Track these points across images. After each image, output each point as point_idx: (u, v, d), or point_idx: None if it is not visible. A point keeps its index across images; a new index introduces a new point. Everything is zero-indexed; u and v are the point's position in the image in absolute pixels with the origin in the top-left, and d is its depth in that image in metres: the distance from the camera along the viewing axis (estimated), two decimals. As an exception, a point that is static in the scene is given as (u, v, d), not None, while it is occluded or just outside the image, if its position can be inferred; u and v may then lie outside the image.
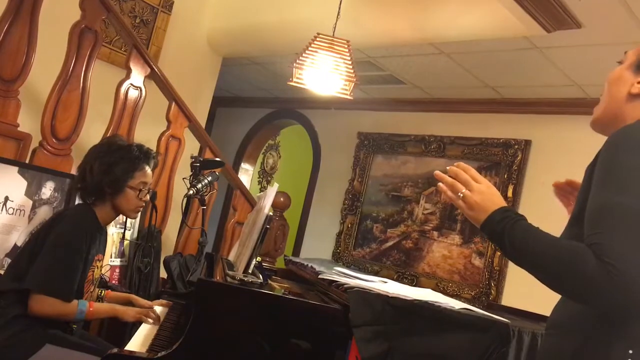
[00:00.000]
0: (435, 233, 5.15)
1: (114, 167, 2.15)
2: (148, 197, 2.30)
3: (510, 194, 4.67)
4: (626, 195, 1.13)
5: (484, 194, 1.31)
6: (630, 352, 1.13)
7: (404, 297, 1.80)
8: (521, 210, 4.58)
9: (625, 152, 1.17)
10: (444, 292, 4.56)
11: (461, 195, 1.32)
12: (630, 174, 1.15)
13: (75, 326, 2.15)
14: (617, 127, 1.28)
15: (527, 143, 4.75)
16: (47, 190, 2.80)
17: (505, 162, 4.80)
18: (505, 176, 4.75)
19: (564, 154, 4.49)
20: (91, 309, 2.08)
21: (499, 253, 4.61)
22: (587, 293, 1.12)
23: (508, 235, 1.23)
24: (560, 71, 4.01)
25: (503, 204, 1.29)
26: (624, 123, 1.28)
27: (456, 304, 1.94)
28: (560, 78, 4.13)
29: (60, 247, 2.02)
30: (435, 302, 1.84)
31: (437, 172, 1.40)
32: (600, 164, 1.20)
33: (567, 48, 3.63)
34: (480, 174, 1.35)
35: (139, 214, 2.43)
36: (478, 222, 1.30)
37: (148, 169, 2.27)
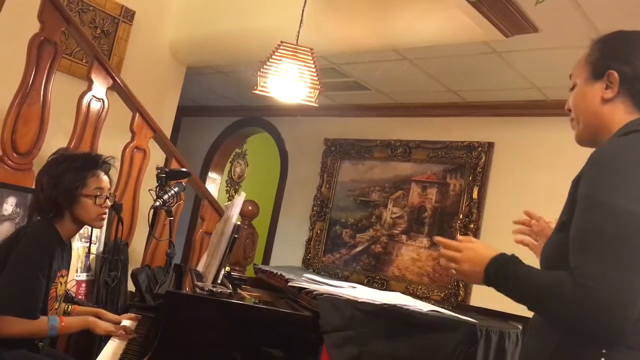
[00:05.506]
0: (404, 236, 5.19)
1: (61, 178, 2.13)
2: (109, 203, 2.26)
3: (475, 195, 4.74)
4: (602, 217, 1.14)
5: (468, 257, 1.33)
6: (604, 351, 1.15)
7: (372, 302, 1.81)
8: (486, 210, 4.67)
9: (604, 173, 1.19)
10: (414, 295, 4.60)
11: (454, 272, 1.36)
12: (609, 195, 1.16)
13: (41, 344, 2.11)
14: (603, 134, 1.33)
15: (490, 145, 4.84)
16: (9, 206, 2.74)
17: (469, 165, 4.87)
18: (470, 178, 4.82)
19: (526, 154, 4.59)
20: (63, 324, 2.05)
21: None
22: (572, 318, 1.13)
23: (504, 286, 1.25)
24: (520, 74, 4.10)
25: (488, 255, 1.29)
26: (607, 129, 1.32)
27: (424, 306, 1.97)
28: (519, 81, 4.22)
29: (21, 265, 1.98)
30: (404, 305, 1.86)
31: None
32: (582, 183, 1.22)
33: (525, 52, 3.71)
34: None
35: (105, 223, 2.38)
36: (480, 283, 1.32)
37: (102, 174, 2.23)
